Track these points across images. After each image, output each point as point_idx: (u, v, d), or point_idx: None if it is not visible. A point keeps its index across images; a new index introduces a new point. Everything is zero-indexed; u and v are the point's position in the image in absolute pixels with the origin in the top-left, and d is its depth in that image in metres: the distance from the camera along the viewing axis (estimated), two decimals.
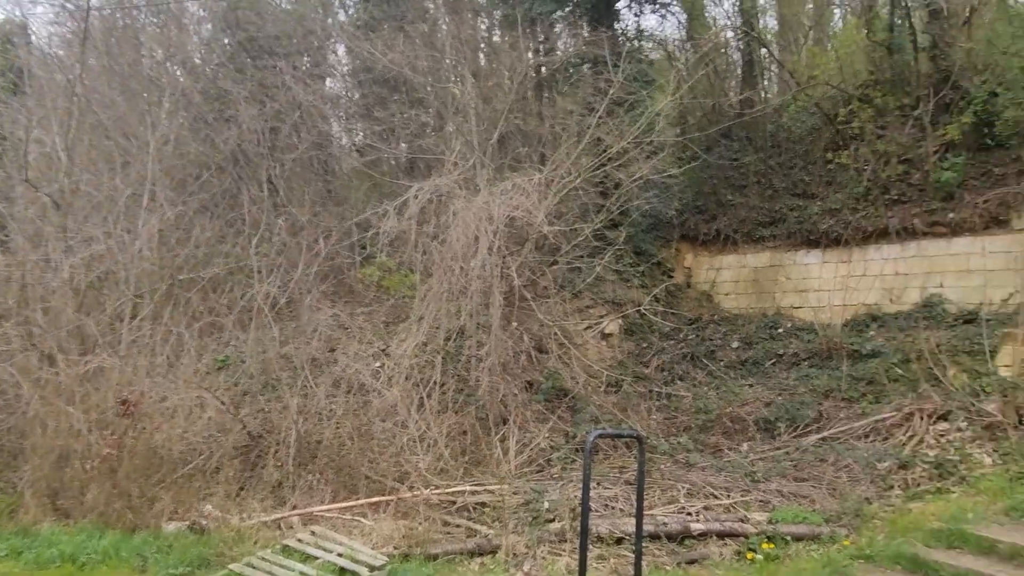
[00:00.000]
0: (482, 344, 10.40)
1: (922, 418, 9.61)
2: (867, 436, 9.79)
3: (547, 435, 9.75)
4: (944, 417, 9.44)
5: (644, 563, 6.70)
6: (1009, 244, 11.57)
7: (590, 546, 6.99)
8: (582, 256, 11.92)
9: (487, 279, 9.73)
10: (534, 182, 10.33)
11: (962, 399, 9.40)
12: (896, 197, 12.97)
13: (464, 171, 11.53)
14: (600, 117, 11.89)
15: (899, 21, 14.01)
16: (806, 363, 12.03)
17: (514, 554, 6.83)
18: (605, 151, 11.69)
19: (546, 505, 7.67)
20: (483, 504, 8.47)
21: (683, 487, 8.46)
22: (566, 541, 7.02)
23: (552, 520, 7.49)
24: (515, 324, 10.68)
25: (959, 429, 9.11)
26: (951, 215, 12.20)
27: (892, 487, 8.51)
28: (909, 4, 13.40)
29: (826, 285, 13.29)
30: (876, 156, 13.27)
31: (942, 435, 9.21)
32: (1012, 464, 8.22)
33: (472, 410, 9.55)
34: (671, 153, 14.05)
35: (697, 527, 7.30)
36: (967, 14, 13.40)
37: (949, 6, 12.78)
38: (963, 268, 12.00)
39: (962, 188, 12.38)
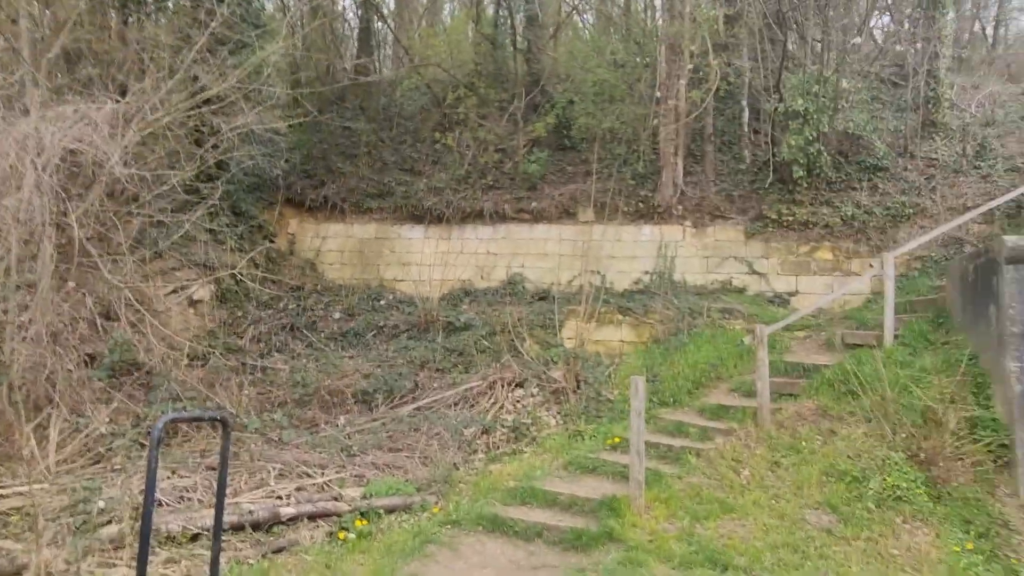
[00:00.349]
0: (24, 308, 8.19)
1: (503, 386, 10.49)
2: (457, 404, 10.32)
3: (109, 419, 8.11)
4: (521, 384, 10.44)
5: (224, 559, 5.88)
6: (576, 233, 13.41)
7: (159, 548, 5.90)
8: (168, 210, 10.28)
9: (33, 225, 7.63)
10: (105, 113, 8.44)
11: (535, 368, 10.51)
12: (491, 183, 14.04)
13: (6, 87, 8.93)
14: (199, 52, 10.34)
15: (504, 20, 15.20)
16: (405, 335, 12.28)
17: (49, 573, 5.37)
18: (203, 91, 10.19)
19: (101, 505, 6.27)
20: (14, 511, 6.64)
21: (274, 468, 7.78)
22: (125, 547, 5.79)
23: (108, 523, 6.14)
24: (73, 284, 8.66)
25: (532, 395, 10.15)
26: (534, 204, 13.65)
27: (476, 451, 9.07)
28: (511, 5, 14.57)
29: (427, 260, 13.77)
30: (477, 143, 14.18)
31: (518, 401, 10.17)
32: (571, 424, 9.42)
33: (2, 391, 7.42)
34: (281, 109, 13.06)
35: (287, 511, 6.70)
36: (554, 28, 15.15)
37: (544, 16, 14.22)
38: (541, 252, 13.54)
39: (544, 181, 13.96)
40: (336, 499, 7.14)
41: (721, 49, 12.87)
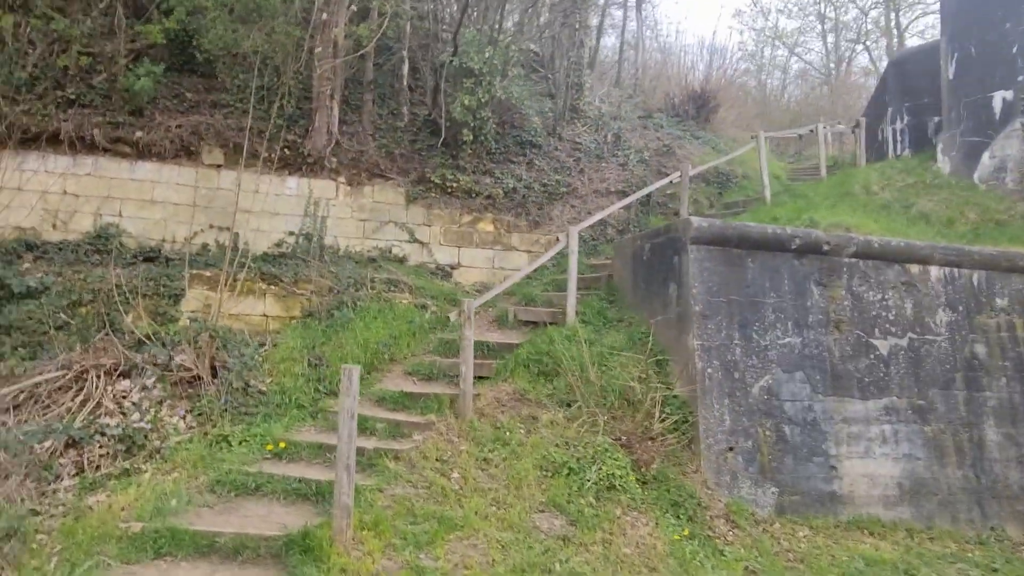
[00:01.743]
0: None
1: (99, 376, 7.39)
2: (19, 408, 6.91)
3: None
4: (127, 374, 7.47)
5: None
6: (198, 178, 10.50)
7: None
8: None
9: None
10: None
11: (150, 351, 7.63)
12: (74, 96, 10.17)
13: None
14: None
15: None
16: None
17: None
18: None
19: None
20: None
21: None
22: None
23: None
24: None
25: (145, 388, 7.31)
26: (139, 134, 10.26)
27: (61, 477, 6.05)
28: None
29: None
30: (50, 37, 10.13)
31: (125, 396, 7.23)
32: (210, 426, 6.96)
33: None
34: None
35: None
36: None
37: None
38: (147, 198, 10.27)
39: (155, 106, 10.63)
40: None
41: None
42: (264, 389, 7.48)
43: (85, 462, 6.25)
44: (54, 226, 9.84)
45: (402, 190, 11.23)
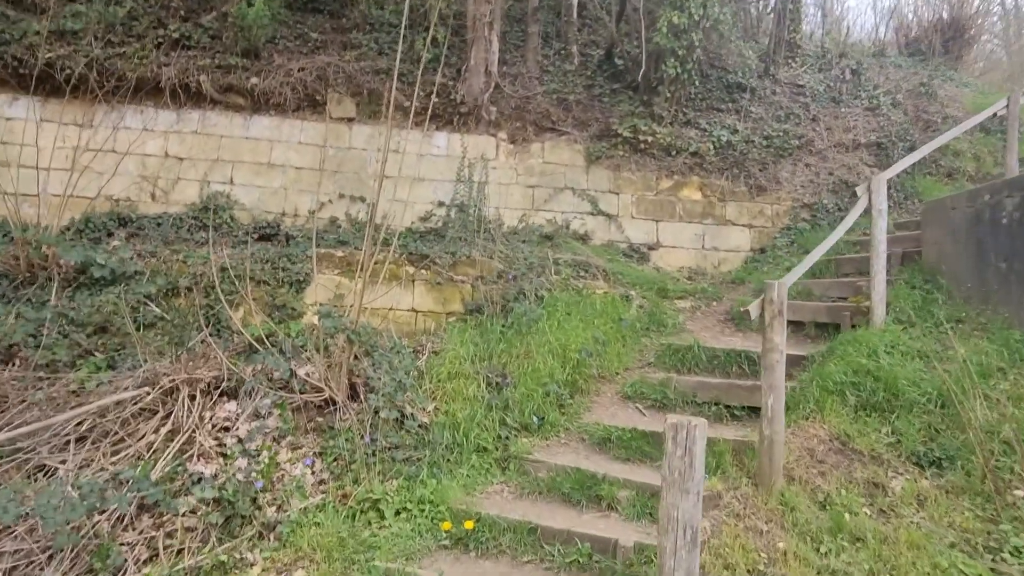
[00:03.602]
0: None
1: (193, 396, 5.11)
2: (84, 441, 4.72)
3: None
4: (232, 394, 5.14)
5: None
6: (323, 135, 8.23)
7: None
8: None
9: None
10: None
11: (261, 361, 5.26)
12: (177, 36, 8.14)
13: None
14: None
15: None
16: None
17: None
18: None
19: None
20: None
21: None
22: None
23: None
24: None
25: (258, 416, 4.94)
26: (254, 80, 8.11)
27: (123, 570, 3.71)
28: None
29: (43, 159, 7.43)
30: None
31: (228, 429, 4.89)
32: (349, 478, 4.48)
33: None
34: None
35: None
36: None
37: None
38: (263, 160, 8.09)
39: (273, 46, 8.48)
40: None
41: None
42: (426, 421, 4.94)
43: (162, 543, 3.90)
44: (153, 196, 7.82)
45: (580, 147, 8.52)
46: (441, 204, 8.13)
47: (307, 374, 5.26)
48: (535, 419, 5.14)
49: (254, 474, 4.37)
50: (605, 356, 5.94)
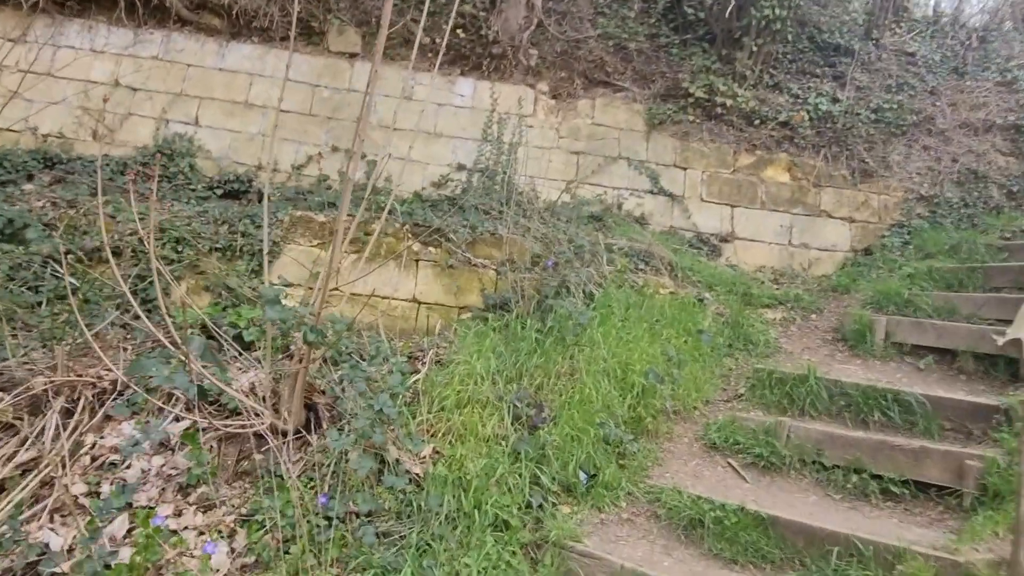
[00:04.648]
0: None
1: (81, 407, 3.43)
2: None
3: None
4: (123, 410, 3.42)
5: None
6: (320, 73, 6.51)
7: None
8: None
9: None
10: None
11: (153, 367, 3.53)
12: None
13: None
14: None
15: None
16: None
17: None
18: None
19: None
20: None
21: None
22: None
23: None
24: None
25: (163, 447, 3.24)
26: None
27: None
28: None
29: None
30: None
31: (115, 464, 3.19)
32: (287, 569, 2.74)
33: None
34: None
35: None
36: None
37: None
38: (239, 98, 6.39)
39: None
40: None
41: None
42: (418, 473, 3.21)
43: None
44: (95, 134, 6.12)
45: (639, 108, 6.75)
46: (462, 168, 6.40)
47: (251, 387, 3.55)
48: (582, 475, 3.40)
49: (135, 548, 2.66)
50: (679, 382, 4.18)
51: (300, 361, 3.34)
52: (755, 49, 6.75)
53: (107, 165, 5.83)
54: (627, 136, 6.66)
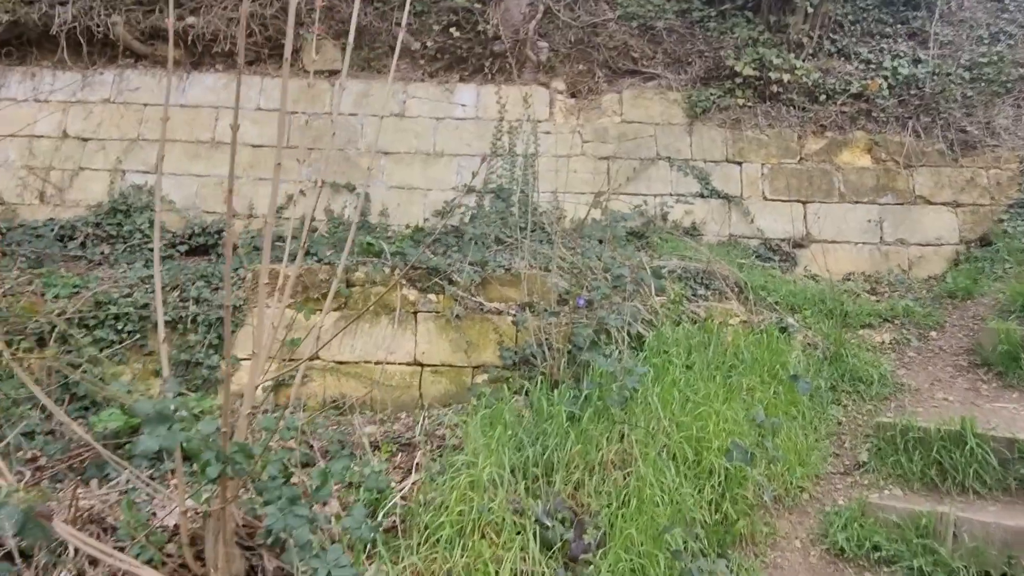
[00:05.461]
0: None
1: None
2: None
3: None
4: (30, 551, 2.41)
5: None
6: (295, 97, 5.55)
7: None
8: None
9: None
10: None
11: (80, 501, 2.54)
12: None
13: None
14: None
15: None
16: None
17: None
18: None
19: None
20: None
21: None
22: None
23: None
24: None
25: None
26: (190, 19, 5.51)
27: None
28: None
29: None
30: None
31: None
32: None
33: None
34: None
35: None
36: None
37: None
38: (204, 137, 5.48)
39: None
40: None
41: None
42: None
43: None
44: (42, 196, 5.28)
45: (677, 96, 5.60)
46: (470, 190, 5.34)
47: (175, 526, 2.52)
48: None
49: None
50: (776, 457, 3.00)
51: (223, 496, 2.29)
52: (810, 11, 5.56)
53: (53, 230, 4.96)
54: (665, 132, 5.51)
